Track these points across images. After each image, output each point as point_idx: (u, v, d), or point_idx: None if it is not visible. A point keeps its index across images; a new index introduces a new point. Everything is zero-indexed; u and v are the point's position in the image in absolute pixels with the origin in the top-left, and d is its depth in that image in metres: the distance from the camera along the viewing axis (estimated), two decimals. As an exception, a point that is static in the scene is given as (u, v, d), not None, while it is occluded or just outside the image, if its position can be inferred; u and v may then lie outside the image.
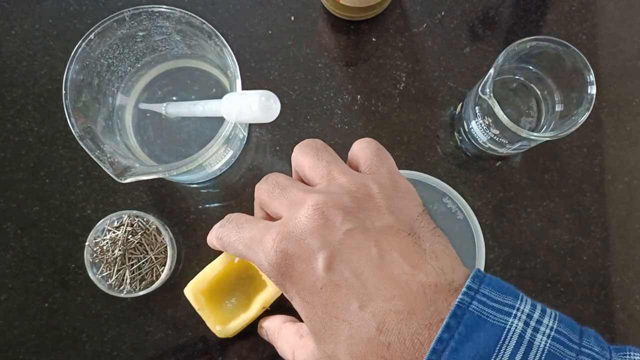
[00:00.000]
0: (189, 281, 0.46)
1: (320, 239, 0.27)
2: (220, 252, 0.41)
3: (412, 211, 0.29)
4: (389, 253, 0.26)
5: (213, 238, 0.34)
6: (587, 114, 0.38)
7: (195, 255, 0.46)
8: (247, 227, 0.31)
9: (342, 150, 0.47)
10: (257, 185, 0.32)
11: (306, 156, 0.31)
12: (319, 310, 0.26)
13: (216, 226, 0.34)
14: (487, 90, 0.39)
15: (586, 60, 0.38)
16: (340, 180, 0.29)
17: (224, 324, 0.42)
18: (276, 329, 0.36)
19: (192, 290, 0.42)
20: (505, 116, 0.39)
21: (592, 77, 0.38)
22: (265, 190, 0.31)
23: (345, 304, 0.26)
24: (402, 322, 0.24)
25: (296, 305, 0.28)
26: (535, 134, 0.39)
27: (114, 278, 0.44)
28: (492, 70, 0.39)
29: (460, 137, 0.47)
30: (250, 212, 0.47)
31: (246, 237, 0.30)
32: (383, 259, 0.26)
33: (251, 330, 0.46)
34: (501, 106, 0.39)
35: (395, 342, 0.24)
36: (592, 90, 0.38)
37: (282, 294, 0.40)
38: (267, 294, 0.41)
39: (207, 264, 0.46)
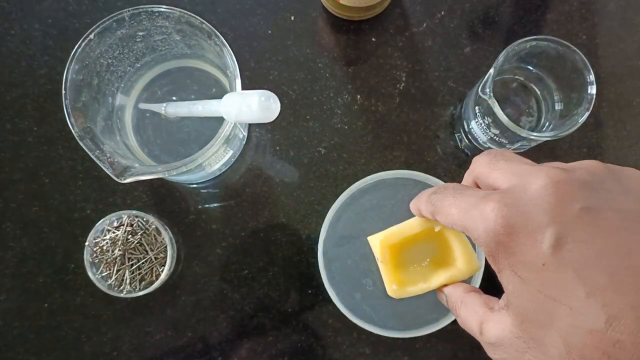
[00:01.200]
0: (189, 281, 0.46)
1: (551, 213, 0.24)
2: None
3: None
4: (631, 241, 0.23)
5: (422, 203, 0.32)
6: (587, 114, 0.38)
7: (195, 255, 0.46)
8: (465, 194, 0.28)
9: (342, 150, 0.47)
10: (475, 158, 0.30)
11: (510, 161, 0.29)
12: (532, 288, 0.24)
13: (427, 192, 0.32)
14: (487, 90, 0.39)
15: (586, 60, 0.38)
16: (570, 165, 0.26)
17: (401, 286, 0.40)
18: (459, 297, 0.33)
19: (382, 241, 0.40)
20: (505, 116, 0.39)
21: (592, 77, 0.38)
22: (486, 161, 0.29)
23: (569, 287, 0.23)
24: (639, 321, 0.22)
25: (504, 278, 0.26)
26: (535, 134, 0.39)
27: (113, 278, 0.44)
28: (492, 70, 0.39)
29: (460, 137, 0.47)
30: (250, 212, 0.47)
31: (462, 202, 0.28)
32: (623, 246, 0.23)
33: (251, 330, 0.46)
34: (501, 106, 0.39)
35: (626, 340, 0.22)
36: (592, 90, 0.38)
37: (469, 277, 0.39)
38: (456, 273, 0.39)
39: (206, 264, 0.46)
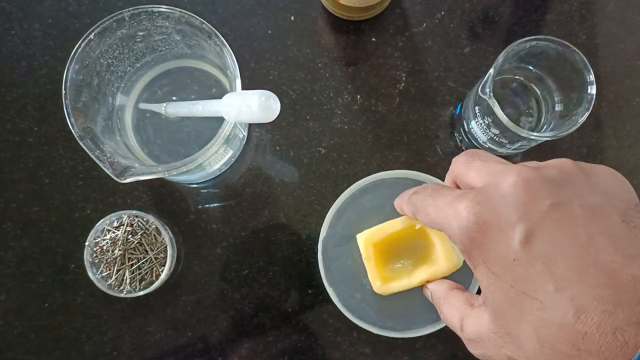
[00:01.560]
0: (189, 281, 0.46)
1: (521, 210, 0.25)
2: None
3: (626, 197, 0.26)
4: (598, 236, 0.24)
5: (404, 202, 0.34)
6: (587, 114, 0.38)
7: (195, 255, 0.46)
8: (442, 193, 0.29)
9: (342, 150, 0.47)
10: (454, 158, 0.31)
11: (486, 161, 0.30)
12: (505, 284, 0.25)
13: (408, 192, 0.33)
14: (487, 90, 0.39)
15: (586, 60, 0.38)
16: (542, 163, 0.27)
17: (384, 282, 0.42)
18: (443, 294, 0.34)
19: (366, 239, 0.42)
20: (505, 116, 0.39)
21: (591, 77, 0.38)
22: (464, 161, 0.30)
23: (539, 282, 0.24)
24: (606, 313, 0.22)
25: (479, 274, 0.26)
26: (535, 133, 0.39)
27: (113, 278, 0.44)
28: (492, 70, 0.39)
29: (460, 137, 0.47)
30: (250, 212, 0.47)
31: (439, 201, 0.29)
32: (591, 241, 0.24)
33: (251, 329, 0.46)
34: (501, 106, 0.39)
35: (594, 333, 0.22)
36: (592, 90, 0.38)
37: (449, 273, 0.41)
38: (437, 269, 0.41)
39: (207, 264, 0.47)
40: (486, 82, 0.39)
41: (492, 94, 0.39)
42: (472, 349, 0.29)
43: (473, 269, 0.27)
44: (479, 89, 0.40)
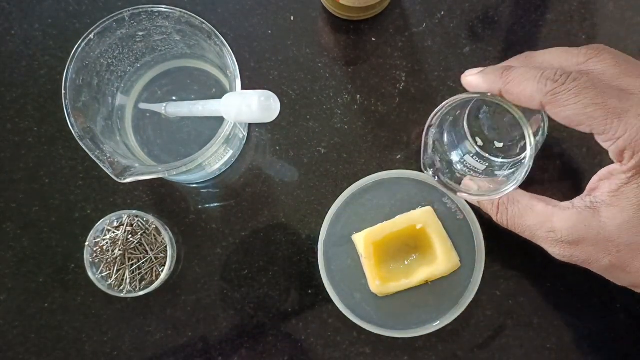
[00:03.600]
0: (189, 281, 0.46)
1: None
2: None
3: None
4: None
5: (534, 86, 0.34)
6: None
7: (195, 255, 0.46)
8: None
9: (342, 150, 0.47)
10: None
11: None
12: None
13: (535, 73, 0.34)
14: (463, 125, 0.39)
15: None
16: None
17: (383, 282, 0.42)
18: (523, 201, 0.37)
19: (366, 237, 0.42)
20: (475, 146, 0.39)
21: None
22: None
23: None
24: None
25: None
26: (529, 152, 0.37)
27: (113, 278, 0.44)
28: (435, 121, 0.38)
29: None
30: (250, 212, 0.47)
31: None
32: None
33: (251, 330, 0.46)
34: (488, 135, 0.39)
35: None
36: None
37: (449, 273, 0.42)
38: (436, 269, 0.41)
39: (207, 264, 0.47)
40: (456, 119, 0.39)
41: (468, 131, 0.39)
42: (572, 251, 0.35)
43: None
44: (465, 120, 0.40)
